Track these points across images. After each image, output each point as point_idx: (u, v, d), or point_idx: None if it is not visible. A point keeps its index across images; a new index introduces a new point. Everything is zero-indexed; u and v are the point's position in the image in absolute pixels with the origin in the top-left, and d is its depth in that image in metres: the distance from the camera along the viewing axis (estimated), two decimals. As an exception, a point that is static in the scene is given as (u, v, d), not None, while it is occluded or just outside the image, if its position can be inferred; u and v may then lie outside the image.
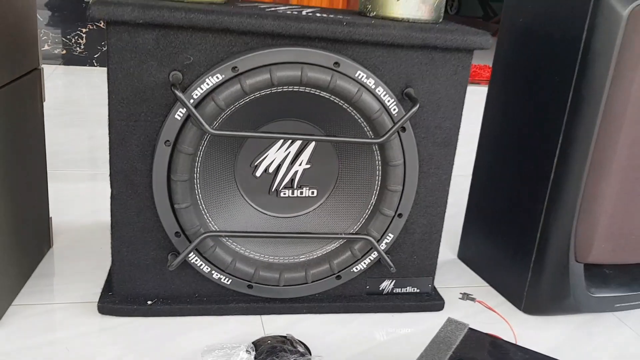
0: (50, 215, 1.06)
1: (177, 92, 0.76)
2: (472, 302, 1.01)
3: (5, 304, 0.86)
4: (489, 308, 1.01)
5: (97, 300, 0.91)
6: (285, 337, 0.83)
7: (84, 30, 2.54)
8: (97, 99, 2.14)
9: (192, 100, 0.79)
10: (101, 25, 2.54)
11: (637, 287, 1.02)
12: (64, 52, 2.54)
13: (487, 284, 1.09)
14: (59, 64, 2.54)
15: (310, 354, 0.81)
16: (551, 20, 0.92)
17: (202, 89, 0.79)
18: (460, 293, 1.04)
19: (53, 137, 1.66)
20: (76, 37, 2.54)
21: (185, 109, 0.79)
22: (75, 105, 2.02)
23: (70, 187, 1.35)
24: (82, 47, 2.55)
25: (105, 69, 2.56)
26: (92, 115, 1.94)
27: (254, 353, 0.69)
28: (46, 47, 2.51)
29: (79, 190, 1.34)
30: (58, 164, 1.46)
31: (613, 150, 0.88)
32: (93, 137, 1.72)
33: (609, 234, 0.92)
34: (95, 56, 2.58)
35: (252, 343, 0.78)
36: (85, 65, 2.57)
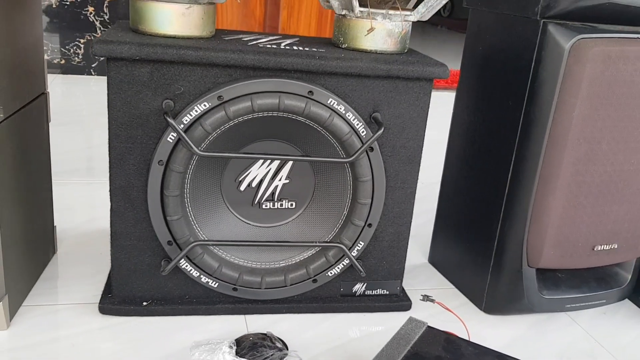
0: (55, 224, 1.16)
1: (168, 118, 0.86)
2: (432, 303, 1.12)
3: (16, 305, 0.97)
4: (447, 309, 1.11)
5: (98, 301, 1.01)
6: (265, 334, 0.94)
7: (82, 40, 2.63)
8: (95, 107, 2.22)
9: (182, 125, 0.89)
10: (99, 36, 2.64)
11: (587, 289, 1.12)
12: (63, 61, 2.63)
13: (453, 286, 1.19)
14: (58, 73, 2.63)
15: (287, 349, 0.91)
16: (505, 50, 1.02)
17: (191, 115, 0.89)
18: (421, 295, 1.14)
19: (52, 145, 1.75)
20: (74, 47, 2.63)
21: (176, 133, 0.89)
22: (74, 114, 2.11)
23: (68, 194, 1.45)
24: (80, 56, 2.65)
25: (103, 77, 2.66)
26: (91, 123, 2.03)
27: (235, 348, 0.79)
28: (45, 57, 2.60)
29: (77, 198, 1.43)
30: (56, 172, 1.55)
31: (558, 167, 0.98)
32: (90, 147, 1.81)
33: (557, 242, 1.03)
34: (93, 65, 2.67)
35: (235, 340, 0.89)
36: (83, 74, 2.67)
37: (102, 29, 2.63)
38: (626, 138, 1.00)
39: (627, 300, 1.21)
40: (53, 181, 1.15)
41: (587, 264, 1.07)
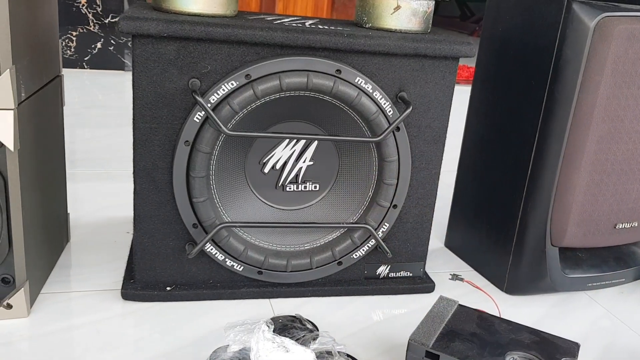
0: (68, 212, 1.14)
1: (197, 97, 0.85)
2: (461, 282, 1.12)
3: (36, 292, 0.94)
4: (476, 287, 1.11)
5: (118, 287, 0.99)
6: (294, 316, 0.93)
7: (74, 33, 2.59)
8: (89, 100, 2.19)
9: (209, 105, 0.87)
10: (91, 28, 2.60)
11: (607, 269, 1.13)
12: (55, 54, 2.59)
13: (472, 269, 1.19)
14: (50, 67, 2.59)
15: (318, 331, 0.90)
16: (527, 30, 1.02)
17: (218, 94, 0.87)
18: (450, 274, 1.14)
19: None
20: (67, 40, 2.59)
21: (203, 112, 0.87)
22: (67, 107, 2.08)
23: (72, 184, 1.42)
24: (73, 49, 2.61)
25: (95, 71, 2.63)
26: (83, 117, 2.00)
27: (272, 327, 0.78)
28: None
29: (81, 188, 1.41)
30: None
31: (583, 145, 0.98)
32: (84, 140, 1.78)
33: (580, 220, 1.03)
34: (86, 59, 2.63)
35: (272, 320, 0.88)
36: (75, 68, 2.63)
37: (94, 21, 2.59)
38: (648, 116, 1.00)
39: (642, 280, 1.22)
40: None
41: (608, 242, 1.08)
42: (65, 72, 2.57)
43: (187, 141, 0.89)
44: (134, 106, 0.88)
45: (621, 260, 1.16)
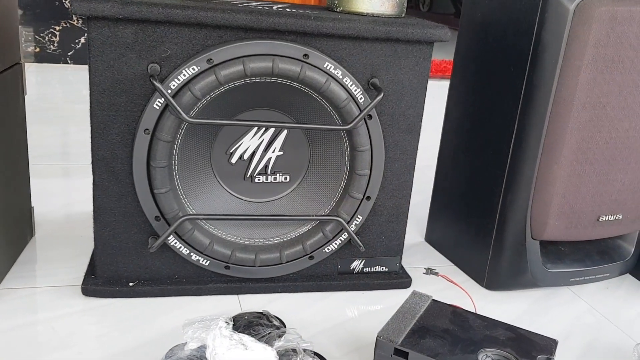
0: (32, 205, 1.09)
1: (155, 82, 0.81)
2: (436, 277, 1.08)
3: (-8, 288, 0.90)
4: (451, 281, 1.07)
5: (79, 283, 0.95)
6: (261, 313, 0.89)
7: (57, 28, 2.55)
8: (71, 96, 2.15)
9: (169, 91, 0.83)
10: (75, 22, 2.56)
11: (590, 263, 1.09)
12: (37, 50, 2.55)
13: (451, 264, 1.15)
14: (32, 62, 2.55)
15: (285, 328, 0.86)
16: (505, 15, 0.98)
17: (179, 80, 0.83)
18: (424, 268, 1.10)
19: (26, 133, 1.69)
20: (49, 35, 2.55)
21: (163, 99, 0.83)
22: (49, 102, 2.04)
23: (44, 181, 1.38)
24: (56, 44, 2.56)
25: (79, 66, 2.58)
26: (66, 112, 1.96)
27: (231, 324, 0.74)
28: (20, 28, 2.51)
29: (53, 184, 1.37)
30: (31, 157, 1.49)
31: (563, 134, 0.94)
32: (66, 134, 1.75)
33: (562, 212, 0.99)
34: (69, 54, 2.59)
35: (231, 317, 0.83)
36: (59, 63, 2.59)
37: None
38: (631, 104, 0.96)
39: (628, 275, 1.18)
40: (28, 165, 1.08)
41: (592, 235, 1.04)
42: (49, 67, 2.54)
43: (147, 129, 0.85)
44: (90, 93, 0.84)
45: (605, 254, 1.12)
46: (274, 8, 0.91)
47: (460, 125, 1.11)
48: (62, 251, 1.06)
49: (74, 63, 2.60)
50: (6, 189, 0.94)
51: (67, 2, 2.53)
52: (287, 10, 0.90)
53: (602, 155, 0.97)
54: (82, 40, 2.58)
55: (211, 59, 0.83)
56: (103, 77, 0.83)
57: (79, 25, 2.56)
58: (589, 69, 0.91)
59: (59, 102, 2.07)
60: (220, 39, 0.84)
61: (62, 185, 1.37)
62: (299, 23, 0.85)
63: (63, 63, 2.59)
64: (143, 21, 0.81)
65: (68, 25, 2.55)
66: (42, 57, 2.56)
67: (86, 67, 2.58)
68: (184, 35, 0.83)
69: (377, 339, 0.76)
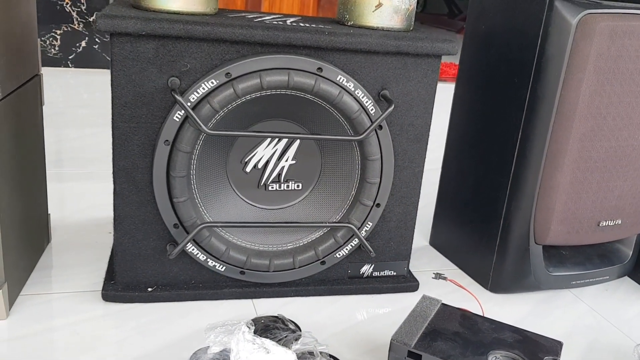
0: (48, 212, 1.12)
1: (176, 95, 0.84)
2: (444, 281, 1.11)
3: (15, 294, 0.93)
4: (459, 285, 1.11)
5: (98, 288, 0.98)
6: (277, 317, 0.92)
7: (58, 31, 2.56)
8: (72, 100, 2.17)
9: (189, 103, 0.86)
10: (76, 27, 2.58)
11: (591, 266, 1.13)
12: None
13: (456, 267, 1.19)
14: (34, 65, 2.56)
15: (300, 331, 0.89)
16: (510, 27, 1.02)
17: (198, 93, 0.86)
18: (433, 273, 1.14)
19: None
20: (50, 39, 2.56)
21: (183, 111, 0.86)
22: (51, 107, 2.05)
23: (55, 184, 1.41)
24: (57, 48, 2.58)
25: (80, 70, 2.60)
26: (68, 116, 1.97)
27: (253, 328, 0.77)
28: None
29: (64, 189, 1.39)
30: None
31: (566, 143, 0.98)
32: (70, 139, 1.76)
33: (564, 218, 1.03)
34: (70, 57, 2.60)
35: (252, 321, 0.87)
36: (60, 67, 2.60)
37: (79, 19, 2.57)
38: (630, 114, 1.00)
39: (626, 277, 1.22)
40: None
41: (592, 240, 1.08)
42: (50, 71, 2.55)
43: (167, 140, 0.88)
44: (112, 105, 0.87)
45: (605, 257, 1.16)
46: (288, 22, 0.94)
47: (465, 134, 1.14)
48: (78, 257, 1.09)
49: (75, 67, 2.62)
50: (25, 197, 0.97)
51: (67, 6, 2.54)
52: (301, 25, 0.93)
53: (602, 163, 1.01)
54: (83, 44, 2.60)
55: (229, 73, 0.86)
56: (125, 91, 0.86)
57: (80, 29, 2.58)
58: (590, 80, 0.95)
59: (60, 106, 2.08)
60: (238, 53, 0.87)
61: (72, 190, 1.39)
62: (314, 38, 0.88)
63: (64, 67, 2.61)
64: (164, 37, 0.84)
65: (69, 29, 2.57)
66: (43, 60, 2.57)
67: (87, 71, 2.60)
68: (203, 50, 0.86)
69: (391, 342, 0.80)
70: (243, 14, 0.99)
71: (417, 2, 6.43)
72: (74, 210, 1.28)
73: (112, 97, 0.87)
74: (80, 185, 1.42)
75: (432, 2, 6.33)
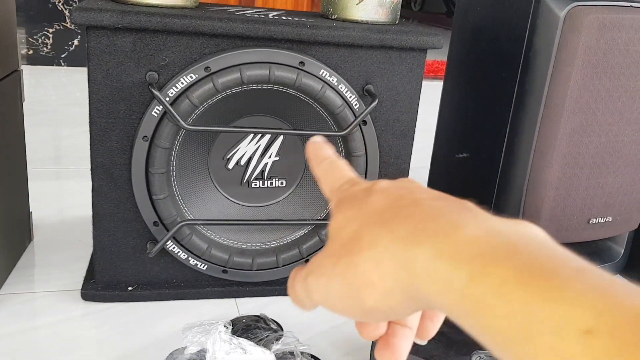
0: (30, 210, 1.10)
1: (154, 90, 0.82)
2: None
3: (-8, 293, 0.91)
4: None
5: (79, 288, 0.96)
6: (259, 316, 0.90)
7: (50, 30, 2.55)
8: (65, 98, 2.15)
9: (167, 98, 0.84)
10: (68, 25, 2.56)
11: (581, 264, 1.11)
12: (30, 52, 2.54)
13: (445, 266, 1.17)
14: (25, 64, 2.54)
15: (283, 331, 0.88)
16: (497, 21, 1.00)
17: (177, 88, 0.85)
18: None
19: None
20: (43, 37, 2.55)
21: (161, 107, 0.85)
22: (42, 105, 2.04)
23: (40, 183, 1.39)
24: (49, 47, 2.56)
25: (73, 68, 2.58)
26: (59, 114, 1.96)
27: (231, 328, 0.76)
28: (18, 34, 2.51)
29: (49, 187, 1.38)
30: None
31: (554, 139, 0.96)
32: (59, 137, 1.75)
33: (553, 215, 1.01)
34: (63, 56, 2.59)
35: (230, 321, 0.85)
36: (52, 65, 2.58)
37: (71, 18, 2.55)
38: (620, 109, 0.98)
39: (617, 275, 1.20)
40: (25, 169, 1.09)
41: (582, 237, 1.06)
42: (42, 69, 2.53)
43: (146, 136, 0.86)
44: (89, 101, 0.85)
45: (596, 255, 1.14)
46: (270, 16, 0.93)
47: (453, 129, 1.12)
48: (60, 256, 1.07)
49: (68, 65, 2.60)
50: (5, 194, 0.95)
51: (59, 4, 2.53)
52: (283, 18, 0.91)
53: (591, 159, 0.99)
54: (76, 42, 2.59)
55: (209, 67, 0.85)
56: (102, 85, 0.84)
57: (72, 27, 2.56)
58: (579, 74, 0.93)
59: (52, 104, 2.06)
60: (218, 47, 0.86)
61: (57, 189, 1.37)
62: (295, 31, 0.86)
63: (56, 65, 2.59)
64: (141, 30, 0.82)
65: (61, 27, 2.55)
66: (35, 59, 2.55)
67: (80, 69, 2.58)
68: (181, 43, 0.84)
69: (373, 342, 0.78)
70: (225, 8, 0.98)
71: (415, 2, 6.43)
72: (57, 208, 1.27)
73: (89, 92, 0.85)
74: (74, 184, 1.40)
75: (430, 1, 6.31)
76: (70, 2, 2.53)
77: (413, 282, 0.26)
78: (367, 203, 0.31)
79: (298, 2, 2.53)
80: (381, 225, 0.29)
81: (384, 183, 0.32)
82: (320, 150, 0.38)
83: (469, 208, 0.29)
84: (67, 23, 2.55)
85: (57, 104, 2.08)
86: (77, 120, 1.90)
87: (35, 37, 2.53)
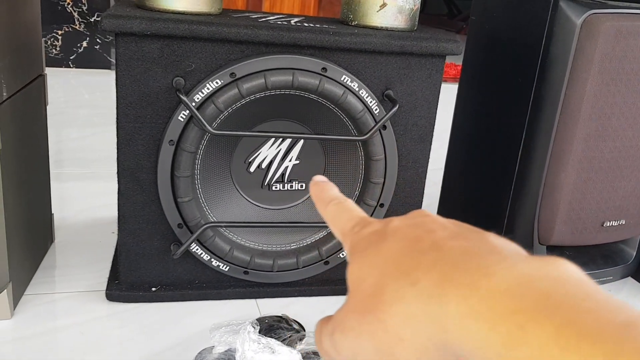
0: (52, 212, 1.12)
1: (181, 96, 0.84)
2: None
3: (19, 293, 0.93)
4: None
5: (102, 288, 0.97)
6: (281, 316, 0.92)
7: (59, 32, 2.56)
8: (74, 100, 2.17)
9: (194, 103, 0.86)
10: (77, 27, 2.58)
11: (594, 267, 1.13)
12: (40, 53, 2.56)
13: (459, 268, 1.19)
14: (36, 66, 2.56)
15: (305, 331, 0.89)
16: (514, 28, 1.02)
17: (203, 93, 0.86)
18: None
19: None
20: (52, 39, 2.56)
21: (187, 111, 0.86)
22: (52, 107, 2.04)
23: (58, 184, 1.40)
24: (58, 48, 2.58)
25: (81, 70, 2.60)
26: (70, 116, 1.97)
27: (258, 327, 0.77)
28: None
29: (67, 189, 1.39)
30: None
31: (570, 143, 0.98)
32: (72, 139, 1.76)
33: (568, 218, 1.03)
34: (72, 57, 2.60)
35: (257, 321, 0.87)
36: (61, 67, 2.60)
37: (80, 20, 2.57)
38: (635, 114, 1.00)
39: (629, 278, 1.22)
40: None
41: (596, 240, 1.08)
42: (51, 71, 2.54)
43: (172, 140, 0.88)
44: (117, 105, 0.87)
45: (609, 258, 1.16)
46: (292, 22, 0.94)
47: (468, 133, 1.14)
48: (82, 257, 1.08)
49: (76, 67, 2.62)
50: (30, 197, 0.97)
51: (68, 6, 2.55)
52: (306, 25, 0.93)
53: (606, 163, 1.01)
54: (84, 44, 2.60)
55: (234, 73, 0.86)
56: (130, 90, 0.86)
57: (81, 29, 2.58)
58: (595, 81, 0.95)
59: (62, 106, 2.08)
60: (243, 53, 0.87)
61: (76, 190, 1.39)
62: (318, 38, 0.88)
63: (65, 67, 2.61)
64: (169, 37, 0.84)
65: (70, 29, 2.57)
66: (45, 61, 2.57)
67: (88, 71, 2.59)
68: (208, 50, 0.86)
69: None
70: (247, 14, 0.99)
71: (418, 3, 6.44)
72: (76, 210, 1.28)
73: (117, 97, 0.87)
74: (82, 185, 1.42)
75: (432, 3, 6.32)
76: (79, 5, 2.55)
77: (447, 339, 0.25)
78: (383, 250, 0.29)
79: (305, 5, 2.55)
80: (403, 277, 0.27)
81: (397, 222, 0.31)
82: (325, 192, 0.37)
83: (493, 246, 0.27)
84: (76, 25, 2.57)
85: (66, 105, 2.09)
86: (86, 122, 1.92)
87: (44, 39, 2.54)
